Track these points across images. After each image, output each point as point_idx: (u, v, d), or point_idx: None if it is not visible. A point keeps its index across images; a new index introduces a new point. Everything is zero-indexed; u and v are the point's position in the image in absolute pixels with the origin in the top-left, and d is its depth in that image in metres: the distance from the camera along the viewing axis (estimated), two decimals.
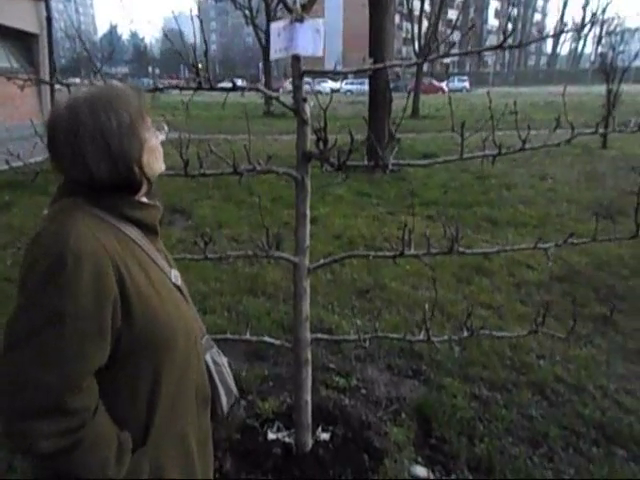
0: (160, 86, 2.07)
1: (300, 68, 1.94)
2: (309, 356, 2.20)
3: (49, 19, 12.78)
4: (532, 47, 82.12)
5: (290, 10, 1.91)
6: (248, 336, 2.18)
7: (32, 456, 1.01)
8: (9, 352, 0.95)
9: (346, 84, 48.56)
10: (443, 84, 46.88)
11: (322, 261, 2.19)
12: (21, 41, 12.52)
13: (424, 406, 2.75)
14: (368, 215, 6.46)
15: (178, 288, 1.19)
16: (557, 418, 2.71)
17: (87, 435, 0.99)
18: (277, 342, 2.22)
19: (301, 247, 2.08)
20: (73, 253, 0.95)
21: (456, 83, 50.13)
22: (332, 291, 4.27)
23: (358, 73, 1.95)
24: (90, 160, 1.02)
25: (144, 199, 1.16)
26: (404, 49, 63.43)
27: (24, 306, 0.96)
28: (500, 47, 1.80)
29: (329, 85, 50.53)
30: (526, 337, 2.96)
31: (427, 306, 3.97)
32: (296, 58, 1.93)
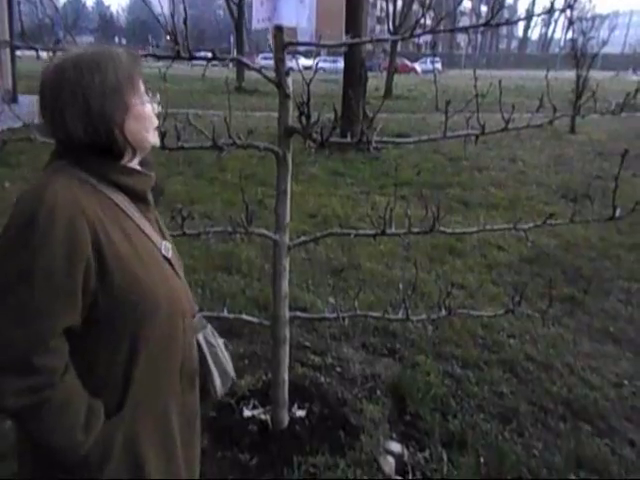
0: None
1: (283, 40, 1.88)
2: (287, 334, 2.18)
3: None
4: (503, 30, 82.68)
5: None
6: (225, 313, 2.15)
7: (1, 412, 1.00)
8: None
9: (319, 62, 47.99)
10: (416, 64, 46.87)
11: (302, 238, 2.15)
12: None
13: (399, 384, 2.79)
14: (342, 195, 6.45)
15: (168, 261, 1.16)
16: (526, 395, 2.79)
17: (54, 396, 0.98)
18: (255, 320, 2.20)
19: (281, 224, 2.04)
20: (46, 210, 0.94)
21: (428, 64, 50.16)
22: (307, 270, 4.26)
23: (339, 47, 1.91)
24: (69, 119, 1.01)
25: (134, 166, 1.12)
26: (377, 27, 62.97)
27: None
28: (477, 26, 1.78)
29: (302, 62, 49.96)
30: (498, 317, 3.04)
31: (401, 286, 4.05)
32: (279, 29, 1.87)
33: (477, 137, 1.94)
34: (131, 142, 1.07)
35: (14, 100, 13.04)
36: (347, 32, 8.74)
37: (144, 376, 1.08)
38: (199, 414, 1.29)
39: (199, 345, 1.26)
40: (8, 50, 12.70)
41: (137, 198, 1.12)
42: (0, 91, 12.58)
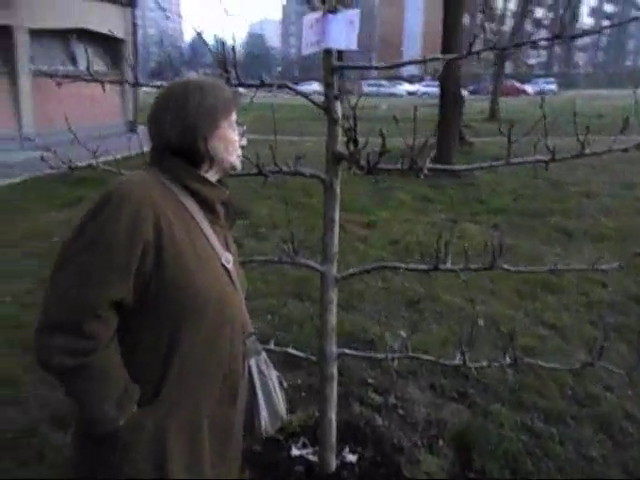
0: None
1: (332, 63, 1.80)
2: (335, 371, 2.05)
3: (134, 25, 13.43)
4: (630, 45, 76.77)
5: (324, 1, 1.78)
6: (272, 346, 2.07)
7: (46, 370, 1.07)
8: (55, 271, 1.07)
9: (423, 86, 47.61)
10: (527, 86, 44.87)
11: (351, 270, 2.02)
12: (109, 45, 13.25)
13: (466, 433, 2.52)
14: (429, 221, 6.19)
15: (227, 271, 1.21)
16: (622, 461, 2.39)
17: (94, 363, 1.04)
18: (301, 354, 2.09)
19: (329, 255, 1.93)
20: (120, 194, 1.08)
21: (541, 85, 47.81)
22: (381, 299, 4.09)
23: (395, 68, 1.78)
24: (167, 125, 1.18)
25: (209, 177, 1.23)
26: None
27: (74, 234, 1.07)
28: (548, 39, 1.56)
29: (405, 88, 49.90)
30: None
31: (482, 322, 3.74)
32: (328, 52, 1.79)
33: (547, 163, 1.70)
34: (211, 156, 1.21)
35: (133, 130, 14.31)
36: (443, 52, 8.58)
37: (182, 373, 1.12)
38: (240, 433, 1.28)
39: (250, 371, 1.27)
40: (131, 87, 14.01)
41: (207, 207, 1.21)
42: (123, 124, 13.88)
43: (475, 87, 48.00)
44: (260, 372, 1.29)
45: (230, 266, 1.22)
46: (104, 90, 2.13)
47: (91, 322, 1.04)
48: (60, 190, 7.30)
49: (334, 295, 1.97)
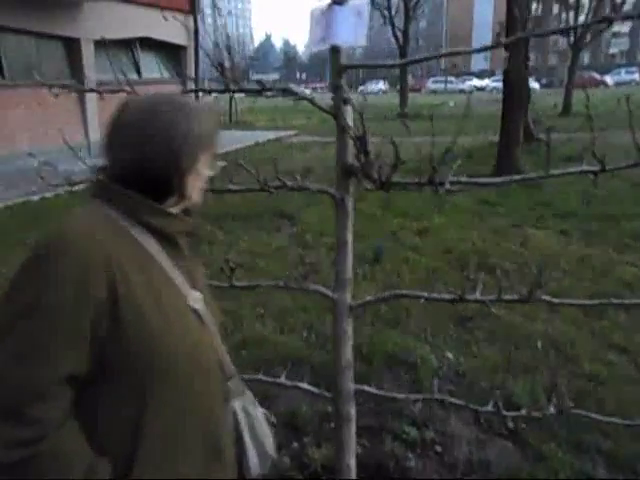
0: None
1: (340, 62, 1.57)
2: (352, 411, 1.81)
3: (196, 32, 13.71)
4: None
5: None
6: (283, 379, 1.86)
7: None
8: None
9: (492, 81, 45.81)
10: (607, 77, 42.08)
11: (368, 298, 1.78)
12: (171, 53, 13.62)
13: (514, 479, 2.20)
14: (488, 227, 5.76)
15: (197, 313, 1.05)
16: None
17: (45, 452, 0.87)
18: (315, 390, 1.86)
19: (341, 280, 1.70)
20: (60, 245, 0.91)
21: (623, 75, 44.65)
22: (429, 315, 3.78)
23: (411, 64, 1.53)
24: (134, 153, 0.99)
25: (170, 209, 1.05)
26: (561, 40, 58.05)
27: (7, 297, 0.91)
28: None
29: (473, 83, 48.22)
30: None
31: (540, 343, 3.35)
32: (335, 50, 1.56)
33: (596, 174, 1.39)
34: (183, 191, 1.04)
35: None
36: (506, 48, 8.04)
37: (156, 438, 0.97)
38: None
39: (234, 414, 1.15)
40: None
41: (169, 243, 1.04)
42: None
43: (549, 80, 45.60)
44: (246, 413, 1.17)
45: (199, 306, 1.06)
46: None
47: (36, 405, 0.87)
48: None
49: (348, 325, 1.73)
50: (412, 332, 3.52)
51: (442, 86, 48.10)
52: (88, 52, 10.54)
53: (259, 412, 1.21)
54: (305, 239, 5.53)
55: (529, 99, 7.98)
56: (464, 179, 1.49)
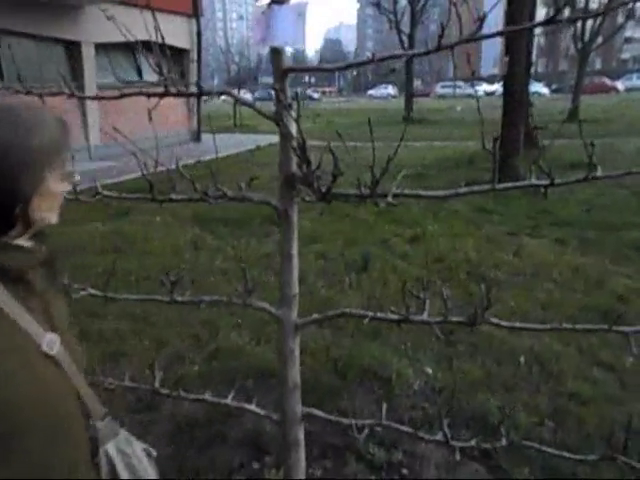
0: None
1: (282, 65, 1.47)
2: (301, 436, 1.70)
3: (199, 34, 13.70)
4: None
5: None
6: (229, 401, 1.76)
7: None
8: None
9: (502, 86, 45.53)
10: (618, 82, 41.65)
11: (315, 316, 1.67)
12: (173, 56, 13.55)
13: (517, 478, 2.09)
14: (482, 235, 5.62)
15: (52, 358, 0.92)
16: None
17: None
18: (260, 412, 1.76)
19: (286, 297, 1.60)
20: None
21: (634, 81, 44.17)
22: (412, 328, 3.65)
23: (343, 70, 1.43)
24: None
25: (15, 241, 0.91)
26: (572, 46, 57.54)
27: None
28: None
29: (483, 88, 47.92)
30: None
31: (522, 359, 3.23)
32: (276, 52, 1.47)
33: (546, 188, 1.28)
34: (29, 219, 0.90)
35: (198, 139, 14.60)
36: (507, 52, 7.92)
37: None
38: None
39: (109, 457, 1.07)
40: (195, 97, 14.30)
41: (14, 282, 0.89)
42: (188, 133, 14.18)
43: (560, 85, 45.19)
44: (122, 454, 1.09)
45: (56, 350, 0.93)
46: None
47: None
48: (113, 201, 7.43)
49: (295, 345, 1.63)
50: (393, 345, 3.40)
51: (450, 91, 47.87)
52: (89, 55, 10.54)
53: (138, 448, 1.13)
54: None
55: (530, 105, 7.81)
56: (408, 191, 1.38)
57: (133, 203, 7.24)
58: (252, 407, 1.76)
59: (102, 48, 10.92)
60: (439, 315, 1.52)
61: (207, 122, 15.01)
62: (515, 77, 7.59)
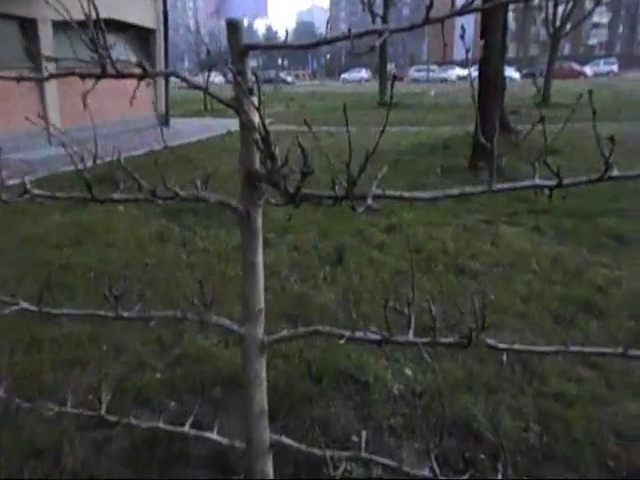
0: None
1: (240, 42, 1.24)
2: (269, 467, 1.50)
3: (165, 14, 13.16)
4: None
5: None
6: (186, 429, 1.54)
7: None
8: None
9: (475, 70, 45.59)
10: (586, 67, 42.17)
11: (284, 333, 1.46)
12: (139, 36, 13.02)
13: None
14: (460, 224, 5.48)
15: None
16: None
17: None
18: (224, 441, 1.55)
19: (251, 312, 1.38)
20: None
21: (602, 66, 44.84)
22: (390, 325, 3.48)
23: (318, 46, 1.21)
24: None
25: None
26: (542, 31, 57.91)
27: None
28: None
29: (456, 72, 47.89)
30: None
31: (505, 357, 3.08)
32: (234, 26, 1.23)
33: (551, 190, 1.10)
34: None
35: (166, 123, 14.11)
36: (482, 36, 7.75)
37: None
38: None
39: None
40: (163, 80, 13.77)
41: None
42: (153, 117, 13.67)
43: (530, 69, 45.52)
44: None
45: None
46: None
47: None
48: (75, 191, 7.04)
49: (261, 365, 1.42)
50: (371, 346, 3.22)
51: (424, 75, 47.75)
52: (46, 34, 9.96)
53: None
54: (267, 237, 5.19)
55: (504, 89, 7.68)
56: (391, 192, 1.17)
57: (97, 190, 6.85)
58: (213, 435, 1.55)
59: (60, 27, 10.34)
60: (425, 330, 1.32)
61: (175, 106, 14.54)
62: (490, 61, 7.44)
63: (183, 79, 1.28)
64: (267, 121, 1.10)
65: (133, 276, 4.17)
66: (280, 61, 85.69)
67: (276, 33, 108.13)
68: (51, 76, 1.39)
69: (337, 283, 4.10)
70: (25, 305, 1.52)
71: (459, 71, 48.42)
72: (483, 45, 7.33)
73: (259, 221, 1.33)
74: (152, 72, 1.27)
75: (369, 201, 1.14)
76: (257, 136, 1.20)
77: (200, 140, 12.02)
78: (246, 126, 1.26)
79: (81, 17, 1.33)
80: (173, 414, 2.35)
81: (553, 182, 1.13)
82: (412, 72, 51.16)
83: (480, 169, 7.02)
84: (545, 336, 3.27)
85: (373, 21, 20.63)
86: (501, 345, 1.32)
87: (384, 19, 20.45)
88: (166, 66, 13.82)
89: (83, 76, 1.36)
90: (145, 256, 4.62)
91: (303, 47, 1.21)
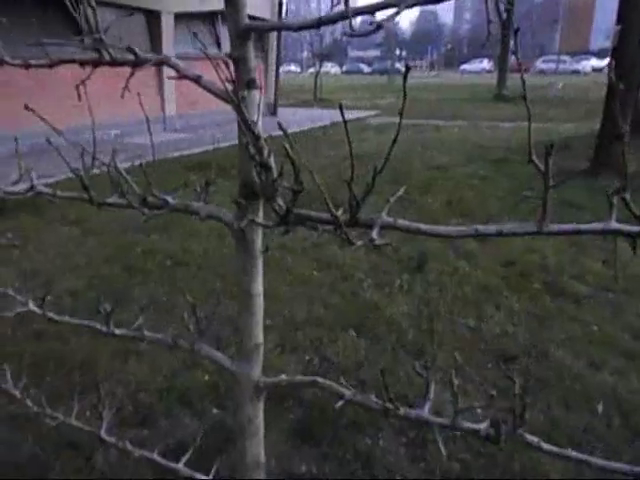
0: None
1: (241, 22, 1.01)
2: None
3: (280, 5, 13.30)
4: None
5: None
6: (180, 466, 1.37)
7: None
8: None
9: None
10: None
11: (282, 377, 1.21)
12: None
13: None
14: (567, 236, 4.83)
15: None
16: None
17: None
18: None
19: (246, 348, 1.16)
20: None
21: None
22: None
23: (318, 27, 0.93)
24: None
25: None
26: None
27: None
28: None
29: (591, 63, 43.74)
30: None
31: (600, 407, 2.61)
32: (231, 2, 1.01)
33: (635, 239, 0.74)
34: None
35: (274, 112, 14.36)
36: (620, 20, 6.79)
37: None
38: None
39: None
40: (274, 69, 14.01)
41: None
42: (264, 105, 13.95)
43: None
44: None
45: None
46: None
47: None
48: (172, 175, 7.29)
49: (256, 411, 1.19)
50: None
51: (553, 66, 44.16)
52: (168, 25, 10.48)
53: None
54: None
55: (639, 86, 6.70)
56: (403, 221, 0.88)
57: (196, 176, 7.04)
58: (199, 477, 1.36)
59: (181, 18, 10.83)
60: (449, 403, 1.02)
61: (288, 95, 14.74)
62: (626, 50, 6.49)
63: (174, 67, 1.08)
64: (373, 113, 0.82)
65: (208, 265, 4.17)
66: (399, 51, 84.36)
67: (397, 23, 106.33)
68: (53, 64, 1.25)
69: (413, 294, 3.76)
70: (32, 307, 1.44)
71: (595, 62, 44.19)
72: (618, 30, 6.42)
73: (258, 242, 1.10)
74: (142, 58, 1.08)
75: (374, 234, 0.86)
76: (248, 139, 0.97)
77: (302, 130, 12.04)
78: (244, 126, 1.03)
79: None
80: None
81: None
82: (539, 63, 47.57)
83: (601, 175, 6.18)
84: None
85: (497, 9, 19.29)
86: (546, 446, 0.94)
87: (510, 4, 19.06)
88: (278, 57, 14.02)
89: (81, 63, 1.21)
90: (223, 246, 4.60)
91: (303, 28, 0.94)
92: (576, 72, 41.76)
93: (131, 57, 1.10)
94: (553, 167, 0.96)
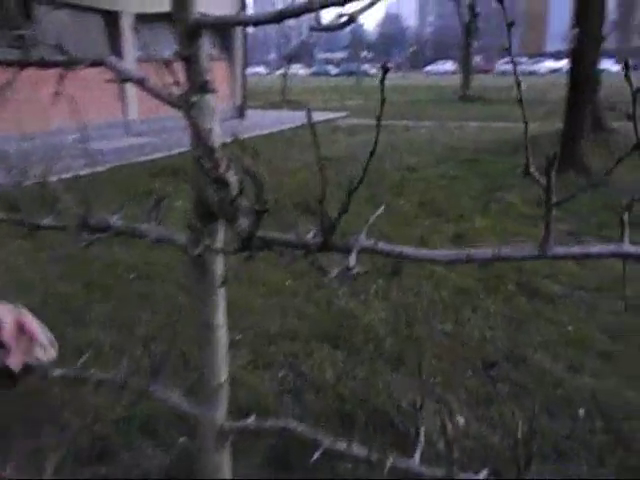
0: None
1: (189, 18, 0.87)
2: None
3: (244, 5, 13.11)
4: None
5: None
6: None
7: None
8: None
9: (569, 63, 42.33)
10: None
11: (249, 422, 1.07)
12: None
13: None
14: (539, 234, 4.81)
15: None
16: None
17: None
18: None
19: (207, 388, 1.02)
20: None
21: None
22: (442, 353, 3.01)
23: (280, 21, 0.80)
24: None
25: None
26: None
27: None
28: None
29: (547, 65, 44.83)
30: None
31: (581, 412, 2.55)
32: (178, 2, 0.87)
33: None
34: None
35: (242, 115, 14.14)
36: (577, 22, 6.88)
37: None
38: None
39: None
40: (240, 70, 13.79)
41: None
42: (232, 109, 13.73)
43: (634, 62, 41.71)
44: None
45: None
46: None
47: None
48: (137, 182, 7.04)
49: (221, 458, 1.05)
50: (412, 377, 2.78)
51: (509, 67, 45.10)
52: (128, 26, 10.17)
53: None
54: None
55: (599, 83, 6.79)
56: (384, 245, 0.76)
57: (160, 184, 6.81)
58: None
59: (142, 19, 10.53)
60: (437, 461, 0.89)
61: (256, 97, 14.54)
62: (584, 52, 6.58)
63: (113, 69, 0.93)
64: (342, 114, 0.70)
65: (172, 279, 3.97)
66: (365, 53, 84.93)
67: (362, 25, 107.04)
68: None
69: (388, 299, 3.66)
70: None
71: (550, 64, 45.36)
72: (576, 33, 6.50)
73: (217, 268, 0.96)
74: (75, 59, 0.93)
75: (351, 261, 0.73)
76: (201, 152, 0.83)
77: (272, 133, 11.88)
78: (197, 134, 0.89)
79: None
80: None
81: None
82: (499, 65, 48.56)
83: (565, 172, 6.23)
84: (631, 386, 2.66)
85: (458, 11, 19.59)
86: None
87: (472, 7, 19.33)
88: (245, 58, 13.82)
89: (7, 64, 1.04)
90: None
91: (260, 23, 0.81)
92: (533, 73, 42.73)
93: (61, 58, 0.95)
94: (520, 164, 0.86)
